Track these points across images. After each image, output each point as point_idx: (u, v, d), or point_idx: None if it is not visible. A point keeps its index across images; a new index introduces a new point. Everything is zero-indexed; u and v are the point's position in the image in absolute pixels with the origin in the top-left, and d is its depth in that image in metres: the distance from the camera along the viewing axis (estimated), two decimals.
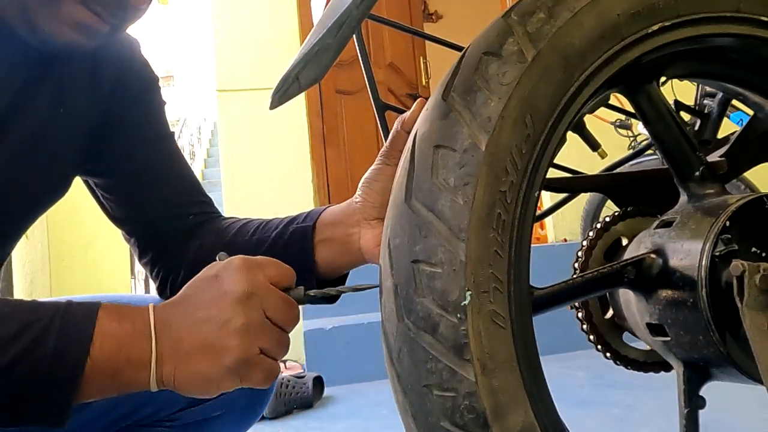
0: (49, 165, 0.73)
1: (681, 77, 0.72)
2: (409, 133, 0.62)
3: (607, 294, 0.69)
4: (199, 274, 0.58)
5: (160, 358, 0.52)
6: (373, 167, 0.69)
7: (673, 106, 0.79)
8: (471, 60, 0.52)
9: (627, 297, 0.64)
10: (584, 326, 0.70)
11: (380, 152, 0.69)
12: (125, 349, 0.51)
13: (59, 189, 0.77)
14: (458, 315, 0.46)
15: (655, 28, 0.55)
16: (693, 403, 0.60)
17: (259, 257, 0.57)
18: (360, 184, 0.71)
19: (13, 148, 0.67)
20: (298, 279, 0.73)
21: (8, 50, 0.64)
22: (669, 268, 0.58)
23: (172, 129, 0.87)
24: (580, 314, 0.70)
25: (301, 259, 0.71)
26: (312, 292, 0.60)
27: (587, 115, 0.81)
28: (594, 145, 0.91)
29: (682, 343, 0.58)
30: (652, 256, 0.59)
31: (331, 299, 0.63)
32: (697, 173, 0.64)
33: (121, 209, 0.81)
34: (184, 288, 0.57)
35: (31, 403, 0.49)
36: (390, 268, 0.49)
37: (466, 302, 0.46)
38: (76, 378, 0.49)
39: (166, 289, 0.81)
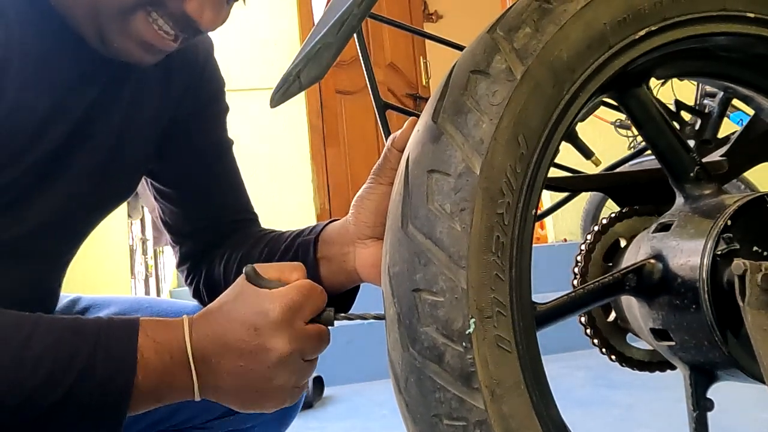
0: (123, 170, 0.74)
1: (671, 77, 0.72)
2: (400, 151, 0.63)
3: None
4: (230, 306, 0.57)
5: (200, 387, 0.55)
6: (365, 186, 0.69)
7: (663, 108, 0.79)
8: (459, 79, 0.51)
9: (629, 301, 0.64)
10: (588, 330, 0.70)
11: (372, 170, 0.68)
12: (167, 379, 0.54)
13: (128, 192, 0.78)
14: (464, 344, 0.45)
15: (642, 33, 0.55)
16: (701, 405, 0.60)
17: (296, 293, 0.57)
18: (353, 203, 0.70)
19: (92, 156, 0.68)
20: None
21: (86, 59, 0.65)
22: (670, 273, 0.58)
23: (233, 139, 0.88)
24: (583, 319, 0.70)
25: (308, 274, 0.71)
26: (342, 316, 0.60)
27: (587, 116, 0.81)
28: (587, 153, 0.90)
29: (687, 347, 0.58)
30: (652, 261, 0.59)
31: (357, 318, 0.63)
32: (692, 174, 0.63)
33: (174, 216, 0.82)
34: (215, 315, 0.57)
35: (82, 429, 0.53)
36: (392, 297, 0.49)
37: (471, 330, 0.45)
38: (124, 405, 0.52)
39: (199, 294, 0.83)
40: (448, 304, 0.46)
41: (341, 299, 0.74)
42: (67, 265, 0.75)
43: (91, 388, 0.51)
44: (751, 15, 0.58)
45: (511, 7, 0.53)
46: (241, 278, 0.58)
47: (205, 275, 0.80)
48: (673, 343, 0.59)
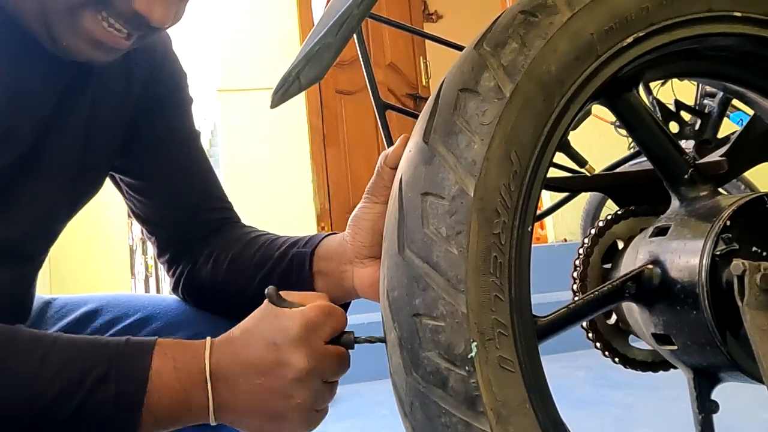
0: (92, 169, 0.74)
1: (661, 79, 0.72)
2: (393, 168, 0.63)
3: None
4: (251, 326, 0.58)
5: (218, 408, 0.55)
6: (360, 205, 0.69)
7: (660, 107, 0.80)
8: (448, 98, 0.50)
9: (629, 304, 0.64)
10: (590, 334, 0.70)
11: (366, 189, 0.68)
12: (183, 397, 0.54)
13: (97, 189, 0.78)
14: (466, 368, 0.45)
15: (630, 40, 0.54)
16: (706, 408, 0.60)
17: (315, 311, 0.57)
18: (349, 222, 0.70)
19: (61, 158, 0.68)
20: None
21: (45, 63, 0.65)
22: (669, 278, 0.57)
23: (200, 130, 0.88)
24: (584, 323, 0.70)
25: (301, 286, 0.71)
26: (362, 338, 0.60)
27: (590, 114, 0.81)
28: (580, 162, 0.91)
29: (689, 351, 0.58)
30: (650, 267, 0.59)
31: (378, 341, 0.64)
32: (686, 176, 0.63)
33: (145, 207, 0.82)
34: (235, 336, 0.58)
35: None
36: (392, 321, 0.48)
37: (473, 354, 0.45)
38: (135, 421, 0.52)
39: (179, 289, 0.82)
40: (449, 329, 0.45)
41: None
42: (42, 264, 0.75)
43: (103, 403, 0.51)
44: (738, 14, 0.58)
45: (496, 20, 0.53)
46: (264, 303, 0.58)
47: (190, 273, 0.80)
48: (675, 348, 0.59)
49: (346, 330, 0.59)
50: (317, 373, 0.56)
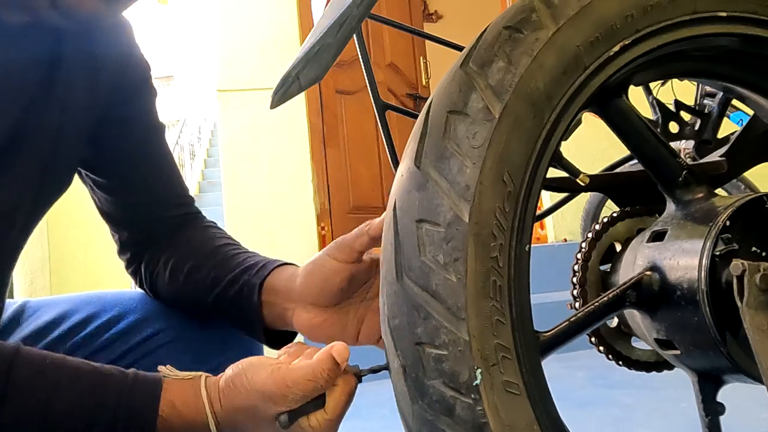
0: (63, 166, 0.73)
1: (650, 81, 0.72)
2: (373, 238, 0.64)
3: None
4: (254, 378, 0.58)
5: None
6: (320, 254, 0.69)
7: (644, 117, 0.79)
8: (438, 120, 0.50)
9: (631, 310, 0.64)
10: (592, 339, 0.70)
11: (335, 240, 0.68)
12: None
13: (67, 185, 0.77)
14: (472, 395, 0.45)
15: (616, 49, 0.54)
16: (713, 410, 0.60)
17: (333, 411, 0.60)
18: (303, 266, 0.71)
19: (32, 156, 0.68)
20: (246, 330, 0.75)
21: (13, 64, 0.64)
22: (668, 284, 0.57)
23: (164, 123, 0.87)
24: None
25: (249, 315, 0.72)
26: (366, 370, 0.60)
27: (586, 115, 0.81)
28: (574, 172, 0.90)
29: (692, 356, 0.58)
30: (649, 273, 0.59)
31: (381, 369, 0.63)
32: (681, 179, 0.63)
33: (110, 204, 0.82)
34: (241, 385, 0.58)
35: None
36: (394, 349, 0.48)
37: (478, 381, 0.45)
38: None
39: (138, 285, 0.83)
40: (452, 357, 0.45)
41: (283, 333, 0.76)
42: (16, 259, 0.74)
43: None
44: (724, 14, 0.58)
45: (481, 37, 0.52)
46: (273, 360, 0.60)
47: (150, 279, 0.81)
48: (678, 352, 0.59)
49: (350, 365, 0.58)
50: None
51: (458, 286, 0.46)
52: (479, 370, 0.45)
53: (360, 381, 0.59)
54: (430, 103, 0.51)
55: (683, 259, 0.57)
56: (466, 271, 0.46)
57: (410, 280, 0.47)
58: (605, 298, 0.59)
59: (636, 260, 0.62)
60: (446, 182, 0.48)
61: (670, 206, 0.64)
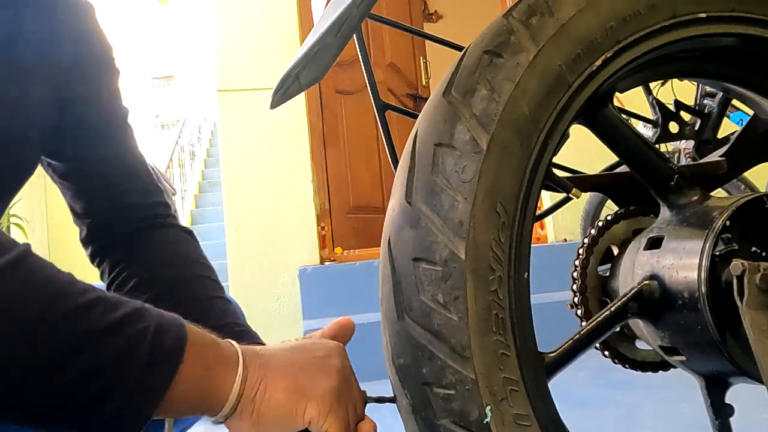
0: (20, 136, 0.69)
1: (634, 87, 0.71)
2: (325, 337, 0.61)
3: None
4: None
5: (245, 379, 0.50)
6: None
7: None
8: (425, 153, 0.49)
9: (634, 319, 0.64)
10: (606, 352, 0.70)
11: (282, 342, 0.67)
12: (214, 359, 0.49)
13: (31, 173, 0.74)
14: None
15: (598, 63, 0.54)
16: (722, 412, 0.61)
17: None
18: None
19: None
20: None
21: None
22: (668, 291, 0.57)
23: (127, 108, 0.83)
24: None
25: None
26: (373, 398, 0.59)
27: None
28: (566, 188, 0.90)
29: (698, 362, 0.58)
30: (648, 282, 0.59)
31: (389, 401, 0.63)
32: (672, 183, 0.63)
33: (71, 193, 0.78)
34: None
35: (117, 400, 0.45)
36: (402, 389, 0.48)
37: (488, 419, 0.45)
38: (172, 375, 0.46)
39: (104, 279, 0.80)
40: (460, 397, 0.45)
41: None
42: None
43: (141, 347, 0.45)
44: (703, 15, 0.58)
45: (461, 62, 0.51)
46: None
47: (112, 283, 0.78)
48: (684, 358, 0.59)
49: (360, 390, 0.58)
50: (346, 392, 0.54)
51: (460, 325, 0.45)
52: (488, 407, 0.45)
53: (364, 405, 0.58)
54: (416, 134, 0.51)
55: (682, 265, 0.56)
56: (466, 309, 0.46)
57: (411, 320, 0.47)
58: (607, 312, 0.58)
59: (635, 269, 0.62)
60: (439, 219, 0.47)
61: (665, 211, 0.64)
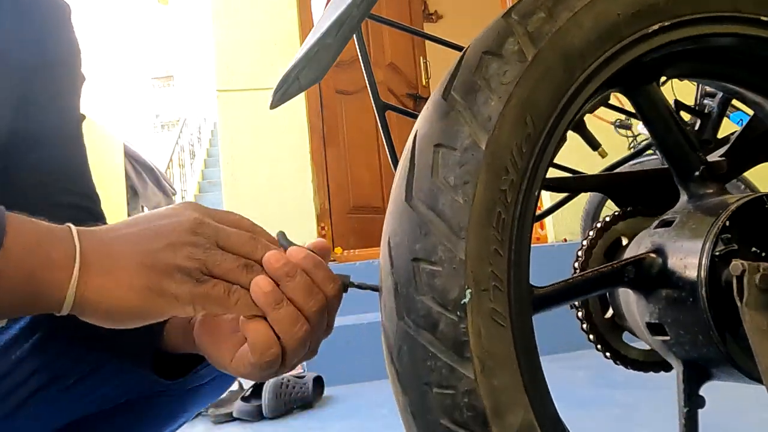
0: None
1: (681, 77, 0.72)
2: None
3: (607, 294, 0.70)
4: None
5: (85, 265, 0.45)
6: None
7: (673, 106, 0.79)
8: (471, 60, 0.52)
9: (627, 297, 0.64)
10: (584, 326, 0.70)
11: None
12: (44, 247, 0.45)
13: None
14: (458, 313, 0.46)
15: (654, 27, 0.55)
16: (693, 402, 0.60)
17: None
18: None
19: None
20: (137, 352, 0.63)
21: None
22: (669, 268, 0.58)
23: (81, 106, 0.80)
24: (580, 314, 0.70)
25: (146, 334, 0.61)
26: (355, 283, 0.57)
27: (587, 115, 0.81)
28: (594, 144, 0.91)
29: (681, 342, 0.58)
30: (652, 255, 0.59)
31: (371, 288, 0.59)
32: (697, 173, 0.64)
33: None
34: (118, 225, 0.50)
35: None
36: (390, 267, 0.49)
37: (466, 300, 0.46)
38: None
39: None
40: (445, 274, 0.46)
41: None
42: None
43: None
44: (765, 18, 0.59)
45: None
46: None
47: None
48: (668, 338, 0.59)
49: (341, 274, 0.56)
50: (211, 227, 0.49)
51: (464, 207, 0.47)
52: (469, 290, 0.46)
53: (345, 291, 0.55)
54: (467, 49, 0.53)
55: (686, 249, 0.57)
56: (474, 195, 0.47)
57: (418, 200, 0.48)
58: (605, 269, 0.60)
59: (641, 244, 0.63)
60: (470, 112, 0.49)
61: (683, 197, 0.65)
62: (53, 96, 0.76)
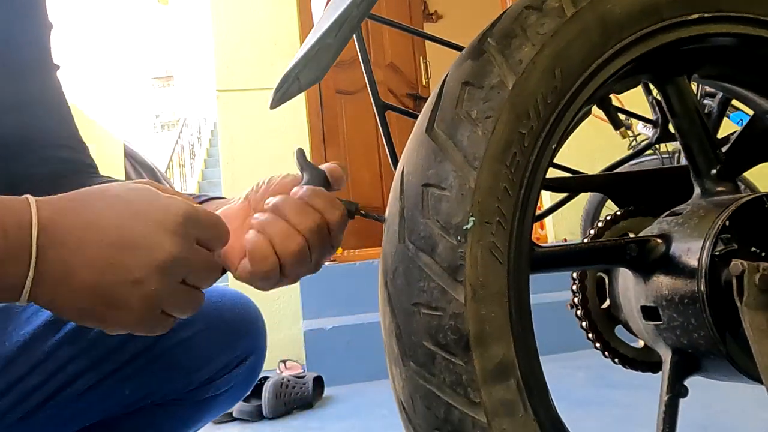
0: None
1: (713, 78, 0.73)
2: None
3: (606, 283, 0.69)
4: (115, 188, 0.46)
5: (39, 278, 0.41)
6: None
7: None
8: (513, 12, 0.53)
9: (626, 284, 0.64)
10: (578, 311, 0.71)
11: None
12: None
13: None
14: (458, 237, 0.46)
15: (694, 16, 0.56)
16: (675, 390, 0.60)
17: (207, 214, 0.48)
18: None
19: None
20: None
21: None
22: (671, 254, 0.58)
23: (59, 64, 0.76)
24: (576, 299, 0.71)
25: None
26: (362, 211, 0.58)
27: (591, 114, 0.81)
28: (618, 123, 0.91)
29: (673, 327, 0.58)
30: (657, 240, 0.60)
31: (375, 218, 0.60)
32: (714, 171, 0.65)
33: None
34: (86, 192, 0.46)
35: None
36: (399, 192, 0.50)
37: (468, 226, 0.46)
38: None
39: None
40: (453, 200, 0.47)
41: None
42: None
43: None
44: None
45: None
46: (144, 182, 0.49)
47: None
48: (660, 323, 0.59)
49: (348, 201, 0.58)
50: (183, 266, 0.45)
51: (481, 139, 0.48)
52: (473, 218, 0.47)
53: (351, 217, 0.58)
54: (511, 5, 0.54)
55: (686, 247, 0.57)
56: (493, 129, 0.48)
57: (440, 129, 0.49)
58: (609, 242, 0.61)
59: (649, 230, 0.63)
60: (502, 57, 0.50)
61: (696, 191, 0.66)
62: (25, 41, 0.71)
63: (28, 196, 0.43)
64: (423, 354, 0.46)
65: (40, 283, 0.42)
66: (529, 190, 0.50)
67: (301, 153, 0.57)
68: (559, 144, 0.53)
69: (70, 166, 0.74)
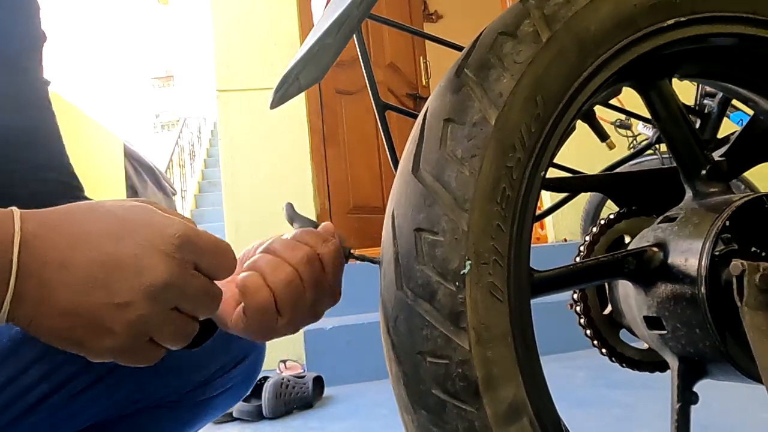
0: None
1: (694, 77, 0.72)
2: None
3: (607, 290, 0.70)
4: (110, 205, 0.44)
5: (18, 297, 0.38)
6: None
7: (683, 105, 0.80)
8: (486, 40, 0.52)
9: (626, 291, 0.64)
10: (582, 320, 0.70)
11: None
12: None
13: None
14: (457, 283, 0.46)
15: (670, 22, 0.56)
16: (686, 398, 0.60)
17: (207, 236, 0.45)
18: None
19: None
20: None
21: None
22: (669, 262, 0.58)
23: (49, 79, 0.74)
24: (578, 308, 0.70)
25: None
26: (356, 254, 0.58)
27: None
28: (603, 135, 0.91)
29: (678, 336, 0.58)
30: (654, 249, 0.60)
31: (371, 261, 0.59)
32: (704, 172, 0.64)
33: None
34: (77, 206, 0.43)
35: None
36: (392, 238, 0.49)
37: (466, 271, 0.46)
38: None
39: None
40: (447, 244, 0.46)
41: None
42: None
43: None
44: None
45: None
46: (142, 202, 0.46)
47: None
48: (664, 332, 0.59)
49: (344, 246, 0.58)
50: (175, 293, 0.42)
51: (469, 179, 0.47)
52: (469, 262, 0.46)
53: (346, 261, 0.57)
54: (483, 30, 0.54)
55: (685, 251, 0.57)
56: (480, 168, 0.48)
57: (425, 171, 0.49)
58: (606, 258, 0.60)
59: (642, 239, 0.63)
60: (481, 89, 0.50)
61: (688, 195, 0.66)
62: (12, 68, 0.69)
63: (14, 208, 0.40)
64: (433, 402, 0.46)
65: (19, 303, 0.38)
66: (522, 221, 0.49)
67: (290, 206, 0.57)
68: (548, 168, 0.53)
69: (57, 187, 0.71)
